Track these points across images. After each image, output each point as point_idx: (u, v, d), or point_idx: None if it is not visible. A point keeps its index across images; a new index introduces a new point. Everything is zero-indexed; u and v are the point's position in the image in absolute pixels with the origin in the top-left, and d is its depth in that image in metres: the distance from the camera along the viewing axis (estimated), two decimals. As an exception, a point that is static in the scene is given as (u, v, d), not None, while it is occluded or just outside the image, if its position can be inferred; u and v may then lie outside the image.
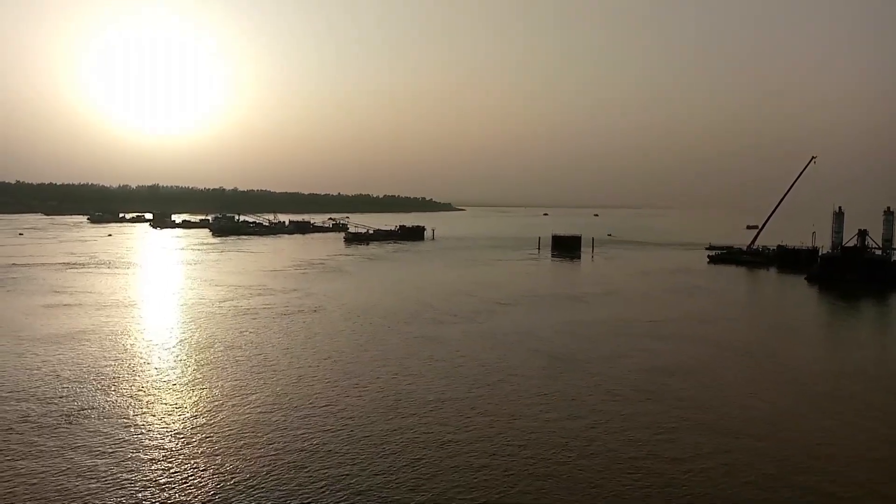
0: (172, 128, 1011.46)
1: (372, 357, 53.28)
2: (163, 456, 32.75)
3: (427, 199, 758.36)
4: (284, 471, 31.20)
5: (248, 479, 30.33)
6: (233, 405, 40.53)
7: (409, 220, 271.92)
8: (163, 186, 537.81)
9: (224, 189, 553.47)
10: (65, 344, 56.22)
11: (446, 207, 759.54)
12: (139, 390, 43.60)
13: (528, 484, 30.29)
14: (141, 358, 52.56)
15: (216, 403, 40.89)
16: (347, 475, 30.80)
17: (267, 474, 30.83)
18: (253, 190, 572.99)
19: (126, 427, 36.55)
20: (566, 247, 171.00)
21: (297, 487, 29.59)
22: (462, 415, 39.24)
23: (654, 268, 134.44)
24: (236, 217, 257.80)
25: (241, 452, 33.32)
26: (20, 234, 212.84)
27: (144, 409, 39.69)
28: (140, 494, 28.72)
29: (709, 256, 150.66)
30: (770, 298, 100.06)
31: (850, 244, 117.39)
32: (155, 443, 34.41)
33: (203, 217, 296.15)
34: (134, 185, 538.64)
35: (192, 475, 30.65)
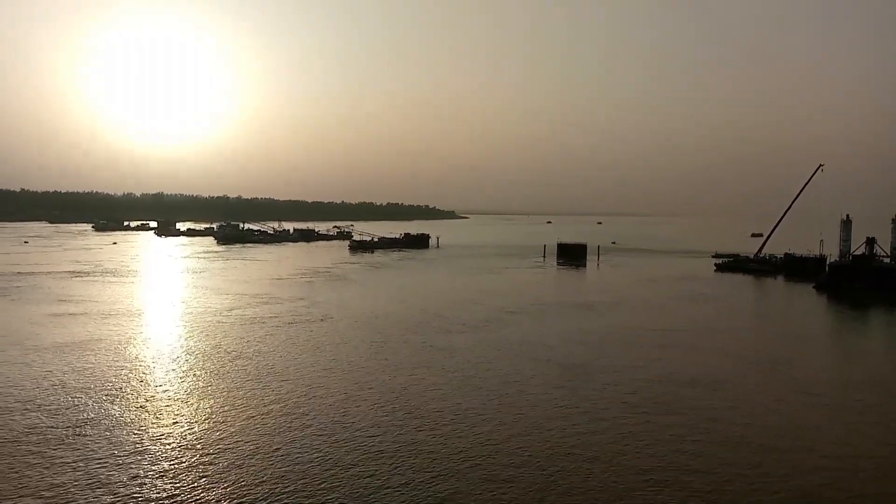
0: (176, 136, 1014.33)
1: (382, 367, 52.65)
2: (172, 468, 32.12)
3: (430, 206, 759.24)
4: (297, 484, 30.55)
5: (260, 491, 29.69)
6: (242, 416, 39.90)
7: (413, 227, 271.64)
8: (167, 195, 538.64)
9: (228, 197, 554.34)
10: (71, 353, 55.72)
11: (449, 215, 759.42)
12: (147, 401, 43.03)
13: (557, 498, 29.66)
14: (148, 368, 52.01)
15: (225, 414, 40.27)
16: (363, 489, 30.15)
17: (278, 487, 30.19)
18: (257, 198, 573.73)
19: (135, 439, 35.95)
20: (572, 255, 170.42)
21: (311, 502, 28.98)
22: (480, 427, 38.52)
23: (660, 276, 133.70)
24: (241, 225, 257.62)
25: (251, 464, 32.70)
26: (25, 242, 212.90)
27: (153, 421, 39.09)
28: (151, 509, 28.16)
29: (715, 264, 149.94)
30: (780, 307, 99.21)
31: (858, 252, 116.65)
32: (164, 454, 33.79)
33: (208, 225, 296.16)
34: (138, 194, 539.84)
35: (203, 488, 30.02)
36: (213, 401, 43.14)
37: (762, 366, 56.12)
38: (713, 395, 46.12)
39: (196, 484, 30.56)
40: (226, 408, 41.64)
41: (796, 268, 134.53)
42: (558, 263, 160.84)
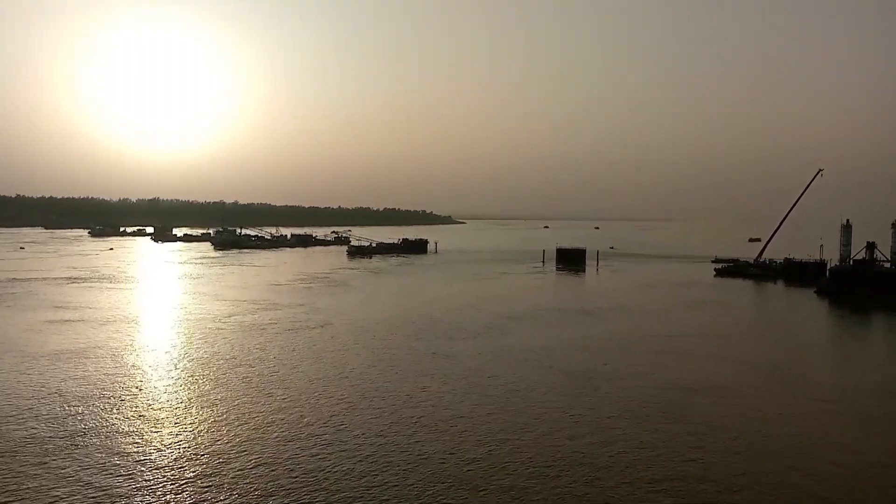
0: (172, 141, 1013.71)
1: (385, 375, 51.92)
2: (174, 478, 31.33)
3: (427, 211, 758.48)
4: (299, 494, 29.84)
5: (262, 501, 29.03)
6: (244, 425, 39.13)
7: (410, 233, 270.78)
8: (163, 200, 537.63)
9: (224, 202, 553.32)
10: (68, 361, 54.86)
11: (446, 220, 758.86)
12: (146, 410, 42.22)
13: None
14: (147, 376, 51.19)
15: (226, 424, 39.49)
16: (371, 500, 29.43)
17: (280, 497, 29.47)
18: (253, 203, 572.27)
19: (135, 449, 35.16)
20: (571, 260, 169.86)
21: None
22: (485, 437, 37.80)
23: (660, 281, 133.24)
24: (238, 230, 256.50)
25: (255, 473, 31.94)
26: (21, 247, 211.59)
27: (153, 430, 38.28)
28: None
29: (715, 269, 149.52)
30: (782, 312, 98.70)
31: (859, 257, 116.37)
32: (166, 465, 32.99)
33: (204, 231, 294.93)
34: (134, 199, 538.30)
35: (206, 500, 29.27)
36: (214, 409, 42.35)
37: (768, 372, 55.56)
38: (720, 403, 45.51)
39: (199, 495, 29.80)
40: (227, 417, 40.87)
41: (796, 273, 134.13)
42: (557, 269, 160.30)
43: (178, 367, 54.11)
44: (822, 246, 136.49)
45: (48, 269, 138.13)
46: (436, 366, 55.06)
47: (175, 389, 47.32)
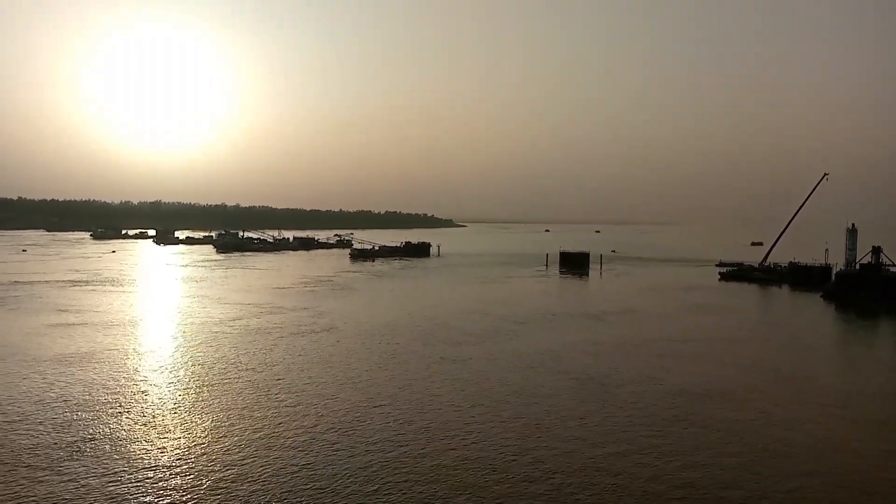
0: (173, 143, 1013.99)
1: (394, 380, 51.35)
2: (183, 485, 30.78)
3: (428, 215, 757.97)
4: (310, 500, 29.33)
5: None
6: (251, 431, 38.53)
7: (411, 236, 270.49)
8: (164, 202, 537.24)
9: (226, 205, 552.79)
10: (72, 366, 54.32)
11: (447, 223, 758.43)
12: (153, 416, 41.64)
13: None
14: (152, 381, 50.62)
15: (235, 429, 38.88)
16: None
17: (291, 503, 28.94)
18: (254, 206, 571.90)
19: (142, 455, 34.61)
20: (574, 263, 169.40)
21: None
22: (499, 444, 37.18)
23: (665, 285, 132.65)
24: (240, 233, 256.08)
25: (262, 478, 31.38)
26: (23, 250, 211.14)
27: (159, 437, 37.69)
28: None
29: (720, 273, 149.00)
30: (790, 317, 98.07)
31: (864, 261, 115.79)
32: (174, 471, 32.41)
33: (206, 233, 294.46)
34: (135, 202, 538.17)
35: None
36: (221, 415, 41.77)
37: (779, 378, 54.96)
38: (735, 409, 44.90)
39: (207, 502, 29.25)
40: (235, 422, 40.28)
41: (802, 277, 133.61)
42: (561, 272, 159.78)
43: (184, 371, 53.56)
44: (827, 250, 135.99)
45: (51, 272, 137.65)
46: (445, 371, 54.48)
47: (182, 395, 46.74)
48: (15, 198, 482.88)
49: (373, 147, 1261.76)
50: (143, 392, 47.21)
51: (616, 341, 69.22)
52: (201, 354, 59.68)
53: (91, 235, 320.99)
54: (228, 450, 35.73)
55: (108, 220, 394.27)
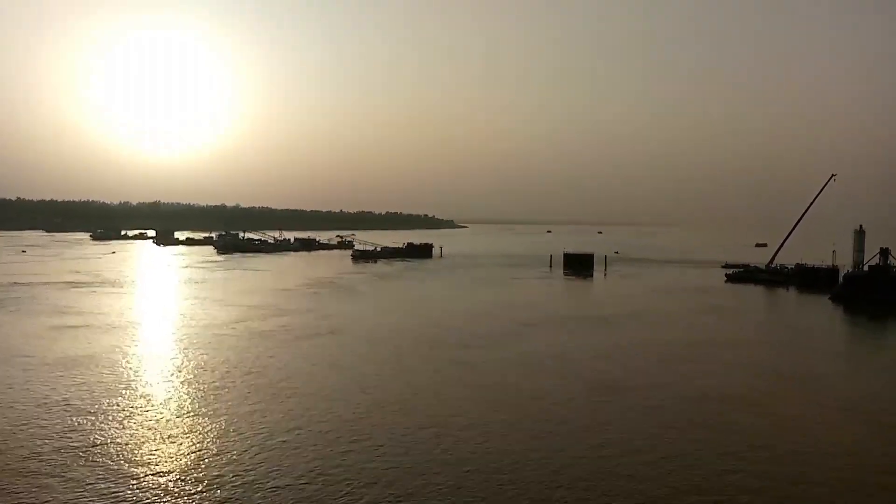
0: (172, 144, 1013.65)
1: (403, 384, 50.10)
2: (187, 491, 29.55)
3: (429, 216, 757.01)
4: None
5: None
6: (259, 436, 37.29)
7: (412, 237, 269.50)
8: (164, 203, 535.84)
9: (225, 206, 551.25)
10: (74, 369, 53.07)
11: (448, 224, 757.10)
12: (157, 421, 40.41)
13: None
14: (156, 385, 49.39)
15: (241, 434, 37.63)
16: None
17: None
18: (254, 207, 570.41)
19: (147, 461, 33.40)
20: (579, 265, 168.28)
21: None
22: (514, 450, 35.97)
23: (672, 286, 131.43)
24: (241, 234, 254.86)
25: (270, 484, 30.19)
26: (23, 251, 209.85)
27: (164, 444, 36.44)
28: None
29: (726, 275, 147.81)
30: (800, 319, 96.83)
31: (872, 263, 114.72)
32: (179, 477, 31.20)
33: (207, 234, 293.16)
34: (134, 202, 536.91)
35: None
36: (228, 419, 40.50)
37: (797, 382, 53.80)
38: (754, 415, 43.66)
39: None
40: (242, 427, 39.01)
41: (809, 278, 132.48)
42: (565, 274, 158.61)
43: (188, 375, 52.32)
44: (834, 252, 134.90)
45: (51, 273, 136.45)
46: (455, 375, 53.27)
47: (187, 399, 45.51)
48: (14, 198, 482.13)
49: (373, 147, 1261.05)
50: (147, 396, 46.00)
51: (627, 344, 68.01)
52: (205, 357, 58.45)
53: (91, 236, 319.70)
54: (236, 455, 34.51)
55: (108, 220, 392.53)
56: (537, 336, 72.21)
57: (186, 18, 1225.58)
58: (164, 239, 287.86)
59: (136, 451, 35.29)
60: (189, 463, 33.83)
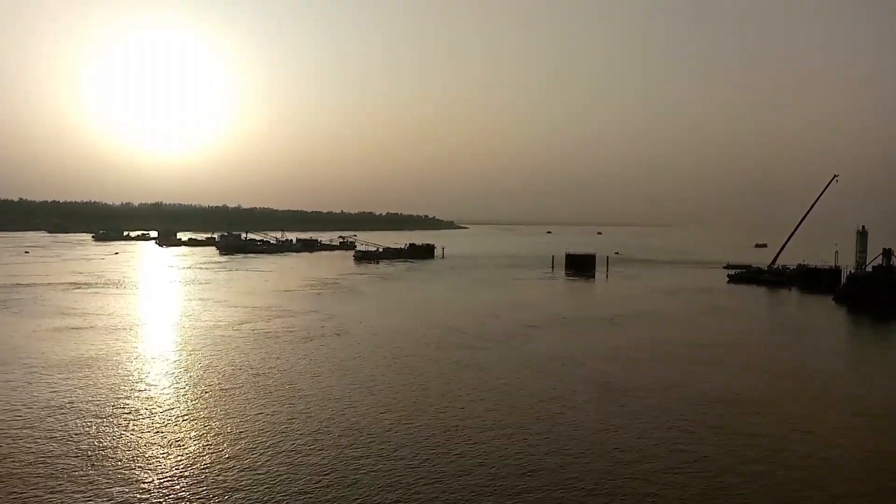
0: (174, 144, 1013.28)
1: (410, 387, 50.01)
2: (194, 493, 29.54)
3: (430, 216, 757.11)
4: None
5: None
6: (265, 437, 37.18)
7: (413, 238, 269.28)
8: (166, 204, 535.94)
9: (227, 206, 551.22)
10: (78, 371, 52.97)
11: (449, 225, 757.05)
12: (163, 425, 40.26)
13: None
14: (161, 386, 49.29)
15: (247, 435, 37.53)
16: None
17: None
18: (255, 207, 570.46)
19: (154, 463, 33.32)
20: (581, 265, 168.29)
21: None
22: (526, 454, 35.81)
23: (674, 287, 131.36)
24: (243, 235, 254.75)
25: (277, 486, 30.09)
26: (26, 252, 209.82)
27: (170, 447, 36.33)
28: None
29: (728, 276, 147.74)
30: (804, 320, 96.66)
31: (875, 263, 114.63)
32: (185, 479, 31.11)
33: (209, 235, 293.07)
34: (136, 203, 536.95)
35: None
36: (236, 422, 40.39)
37: (806, 383, 53.68)
38: (765, 417, 43.57)
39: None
40: (248, 429, 38.91)
41: (811, 279, 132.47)
42: (567, 274, 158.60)
43: (193, 376, 52.23)
44: (836, 252, 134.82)
45: (53, 274, 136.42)
46: (461, 377, 53.17)
47: (193, 401, 45.39)
48: (16, 199, 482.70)
49: (374, 148, 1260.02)
50: (153, 398, 45.90)
51: (633, 346, 67.93)
52: (210, 359, 58.38)
53: (93, 237, 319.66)
54: (242, 457, 34.40)
55: (110, 221, 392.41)
56: (542, 337, 72.10)
57: (186, 18, 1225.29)
58: (166, 240, 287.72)
59: (143, 455, 35.14)
60: (197, 466, 33.70)
